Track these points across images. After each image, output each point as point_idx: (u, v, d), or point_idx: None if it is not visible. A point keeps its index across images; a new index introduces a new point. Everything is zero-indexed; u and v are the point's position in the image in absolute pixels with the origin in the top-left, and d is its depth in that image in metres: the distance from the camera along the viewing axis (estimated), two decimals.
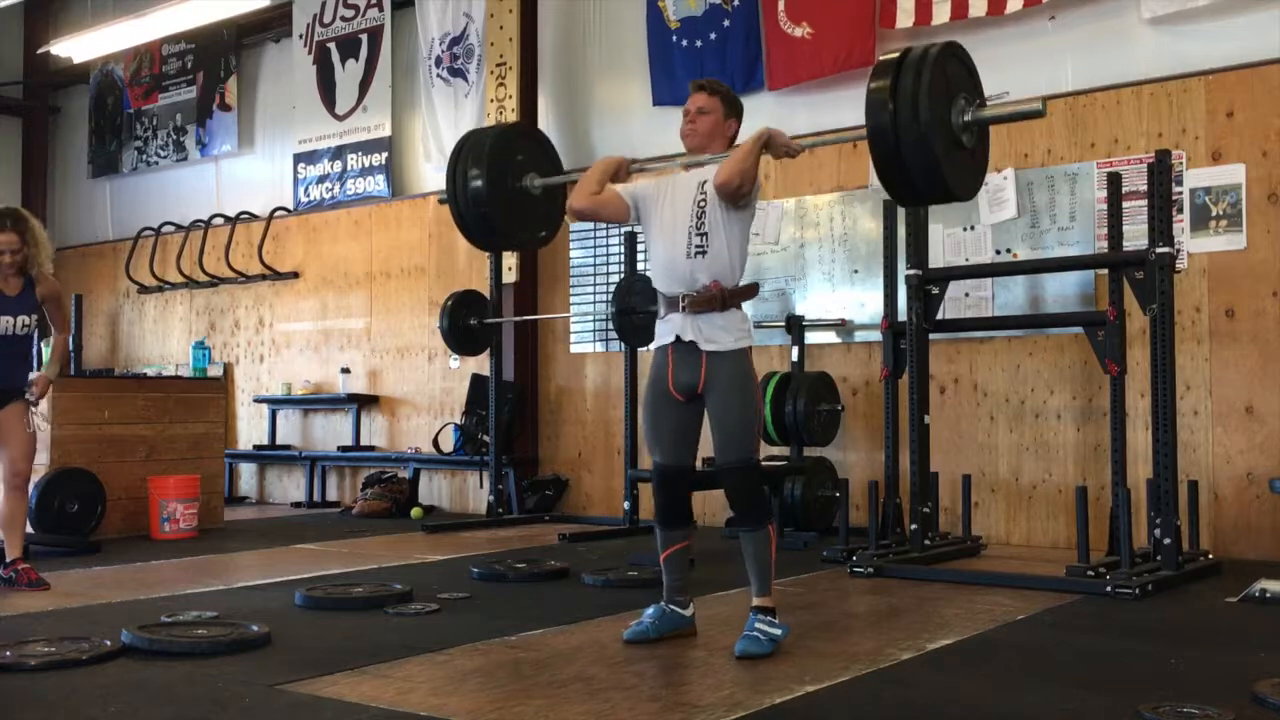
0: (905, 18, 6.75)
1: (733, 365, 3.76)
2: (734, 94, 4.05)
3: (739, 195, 3.74)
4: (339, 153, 9.68)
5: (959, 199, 3.77)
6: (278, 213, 10.08)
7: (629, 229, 7.27)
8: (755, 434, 3.84)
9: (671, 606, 3.91)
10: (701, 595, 4.30)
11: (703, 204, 3.78)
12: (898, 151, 3.49)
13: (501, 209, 4.54)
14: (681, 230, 3.79)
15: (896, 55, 3.62)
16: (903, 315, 5.86)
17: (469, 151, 4.58)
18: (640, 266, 7.35)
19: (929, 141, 3.45)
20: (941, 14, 6.60)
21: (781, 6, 7.28)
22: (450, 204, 4.67)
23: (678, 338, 3.80)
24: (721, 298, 3.75)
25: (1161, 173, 5.16)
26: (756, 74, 7.43)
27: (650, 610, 3.91)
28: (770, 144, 3.80)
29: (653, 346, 3.95)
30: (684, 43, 7.77)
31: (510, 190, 4.56)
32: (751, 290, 3.90)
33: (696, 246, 3.76)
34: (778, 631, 3.69)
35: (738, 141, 4.01)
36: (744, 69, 7.46)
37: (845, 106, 6.98)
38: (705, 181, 3.81)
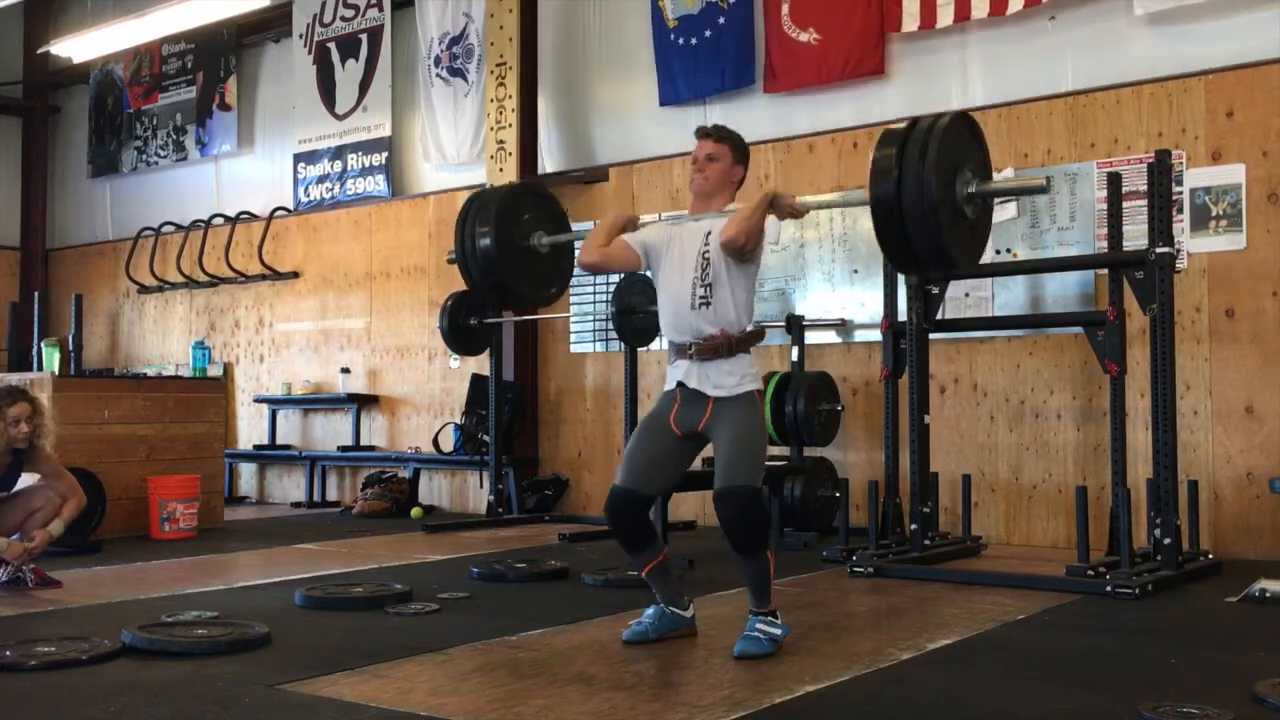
0: (910, 21, 6.76)
1: (739, 405, 3.75)
2: (742, 140, 4.02)
3: (743, 253, 3.75)
4: (339, 153, 9.68)
5: (959, 269, 3.75)
6: (278, 213, 10.08)
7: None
8: (759, 468, 3.77)
9: (671, 609, 3.91)
10: (702, 595, 4.31)
11: (707, 255, 3.78)
12: (901, 223, 3.49)
13: (511, 269, 4.59)
14: (687, 281, 3.80)
15: (905, 126, 3.60)
16: (903, 315, 5.85)
17: (475, 214, 4.61)
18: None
19: (932, 214, 3.44)
20: (945, 16, 6.61)
21: (785, 10, 7.28)
22: (459, 265, 4.71)
23: (681, 384, 3.80)
24: (728, 345, 3.75)
25: (1161, 173, 5.16)
26: (749, 72, 7.43)
27: (649, 611, 3.91)
28: (775, 205, 3.79)
29: (665, 387, 3.93)
30: (680, 41, 7.77)
31: (518, 250, 4.60)
32: (757, 336, 3.89)
33: (701, 298, 3.77)
34: (778, 631, 3.69)
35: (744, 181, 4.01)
36: (738, 67, 7.47)
37: (845, 106, 7.00)
38: (710, 233, 3.80)
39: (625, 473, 3.87)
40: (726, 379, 3.75)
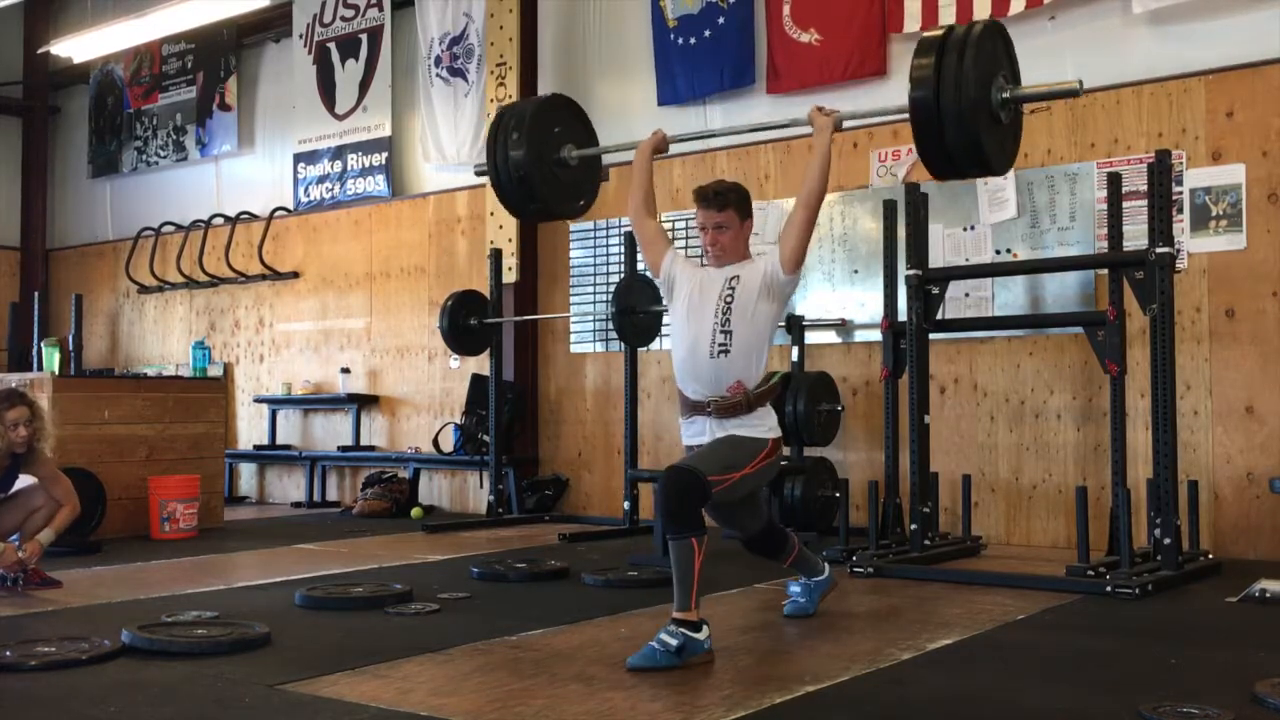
0: (912, 22, 6.75)
1: (743, 439, 3.73)
2: (742, 191, 3.96)
3: (818, 205, 3.85)
4: (339, 153, 9.68)
5: (994, 173, 3.88)
6: (278, 213, 10.08)
7: (630, 229, 7.26)
8: (717, 470, 3.63)
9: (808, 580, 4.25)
10: (701, 596, 4.29)
11: (730, 299, 3.77)
12: (939, 127, 3.56)
13: (541, 179, 4.64)
14: (706, 327, 3.77)
15: (941, 33, 3.68)
16: (903, 315, 5.85)
17: (509, 123, 4.66)
18: (640, 266, 7.35)
19: (970, 118, 3.55)
20: (947, 17, 6.60)
21: (787, 10, 7.28)
22: (490, 175, 4.75)
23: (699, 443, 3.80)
24: (747, 403, 3.74)
25: (1161, 173, 5.16)
26: (748, 72, 7.43)
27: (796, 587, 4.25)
28: (838, 130, 3.94)
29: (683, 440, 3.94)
30: (680, 40, 7.77)
31: (549, 161, 4.64)
32: (774, 390, 3.84)
33: (720, 345, 3.74)
34: (673, 641, 3.44)
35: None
36: (737, 67, 7.46)
37: (846, 107, 6.91)
38: (735, 277, 3.81)
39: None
40: (743, 421, 3.74)
